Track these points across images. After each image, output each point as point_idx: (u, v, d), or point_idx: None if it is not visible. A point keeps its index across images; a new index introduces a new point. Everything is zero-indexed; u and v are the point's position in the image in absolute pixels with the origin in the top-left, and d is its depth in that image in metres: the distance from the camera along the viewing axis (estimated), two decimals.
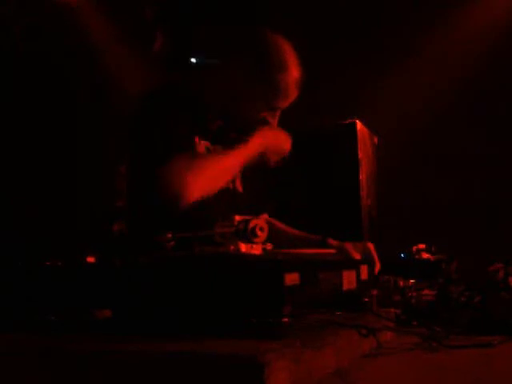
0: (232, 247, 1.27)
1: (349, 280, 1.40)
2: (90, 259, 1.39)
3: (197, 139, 2.02)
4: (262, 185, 2.35)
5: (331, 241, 2.12)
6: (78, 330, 1.35)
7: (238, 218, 1.28)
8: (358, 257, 1.95)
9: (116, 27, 5.01)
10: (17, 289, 1.44)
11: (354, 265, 1.45)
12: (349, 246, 2.05)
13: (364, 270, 1.47)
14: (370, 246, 2.03)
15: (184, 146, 1.88)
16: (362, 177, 2.47)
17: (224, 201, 2.10)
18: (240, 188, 2.24)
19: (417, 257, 2.02)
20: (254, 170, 2.30)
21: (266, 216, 2.34)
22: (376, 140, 2.82)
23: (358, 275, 1.44)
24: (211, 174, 1.88)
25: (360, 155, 2.47)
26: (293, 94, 2.00)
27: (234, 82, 2.00)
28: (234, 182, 2.22)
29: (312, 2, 4.60)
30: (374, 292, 1.58)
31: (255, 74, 1.96)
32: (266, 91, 1.97)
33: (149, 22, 5.10)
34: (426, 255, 2.02)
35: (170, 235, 1.36)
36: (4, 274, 1.47)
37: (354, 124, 2.50)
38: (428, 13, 4.48)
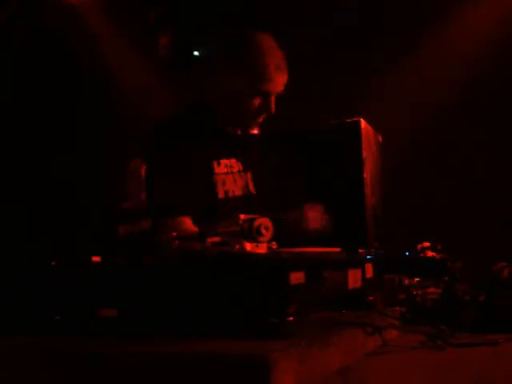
0: (237, 246, 1.27)
1: (354, 278, 1.40)
2: (96, 259, 1.39)
3: (215, 163, 2.21)
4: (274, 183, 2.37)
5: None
6: (81, 329, 1.36)
7: (242, 216, 1.28)
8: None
9: (119, 28, 5.01)
10: (23, 288, 1.45)
11: (360, 263, 1.45)
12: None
13: (369, 268, 1.47)
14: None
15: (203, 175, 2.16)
16: (367, 175, 2.46)
17: (240, 203, 2.22)
18: (253, 189, 2.31)
19: (422, 255, 2.01)
20: (266, 171, 2.34)
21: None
22: (380, 138, 2.81)
23: (364, 274, 1.45)
24: None
25: (364, 154, 2.46)
26: (277, 77, 2.19)
27: (223, 78, 2.23)
28: (247, 184, 2.29)
29: (315, 3, 4.60)
30: (379, 290, 1.58)
31: (239, 66, 2.18)
32: (251, 78, 2.17)
33: (151, 24, 5.12)
34: (430, 253, 2.01)
35: (174, 234, 1.36)
36: (9, 274, 1.48)
37: (359, 122, 2.50)
38: (429, 12, 4.48)
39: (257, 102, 2.20)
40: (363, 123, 2.51)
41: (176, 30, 5.28)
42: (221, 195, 2.20)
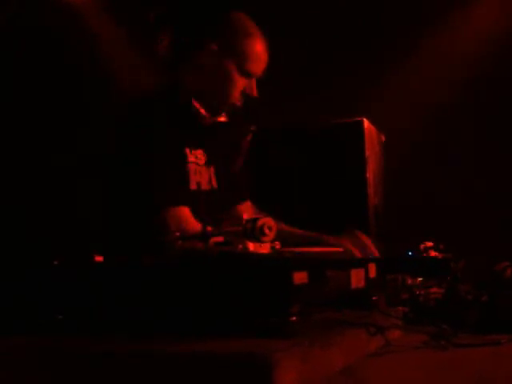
0: (240, 246, 1.27)
1: (357, 278, 1.39)
2: (99, 258, 1.39)
3: (188, 151, 2.08)
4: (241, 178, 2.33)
5: (328, 238, 2.10)
6: (82, 329, 1.35)
7: (245, 216, 1.28)
8: (357, 252, 1.95)
9: (118, 28, 5.01)
10: (23, 288, 1.44)
11: (362, 263, 1.44)
12: (346, 242, 2.03)
13: (372, 268, 1.46)
14: (365, 238, 2.02)
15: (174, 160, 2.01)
16: (369, 175, 2.46)
17: (203, 200, 2.09)
18: (216, 185, 2.20)
19: (424, 255, 2.01)
20: (227, 166, 2.29)
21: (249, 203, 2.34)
22: (383, 138, 2.81)
23: (367, 273, 1.44)
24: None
25: (367, 153, 2.46)
26: (261, 58, 2.14)
27: (205, 52, 2.17)
28: (210, 179, 2.18)
29: (315, 2, 4.60)
30: (382, 290, 1.58)
31: (223, 46, 2.13)
32: (235, 59, 2.10)
33: (151, 24, 5.10)
34: (433, 253, 2.01)
35: (177, 234, 1.36)
36: (9, 274, 1.47)
37: (362, 122, 2.50)
38: (429, 12, 4.48)
39: (239, 81, 2.11)
40: (366, 123, 2.51)
41: (176, 30, 5.27)
42: (193, 186, 2.07)
